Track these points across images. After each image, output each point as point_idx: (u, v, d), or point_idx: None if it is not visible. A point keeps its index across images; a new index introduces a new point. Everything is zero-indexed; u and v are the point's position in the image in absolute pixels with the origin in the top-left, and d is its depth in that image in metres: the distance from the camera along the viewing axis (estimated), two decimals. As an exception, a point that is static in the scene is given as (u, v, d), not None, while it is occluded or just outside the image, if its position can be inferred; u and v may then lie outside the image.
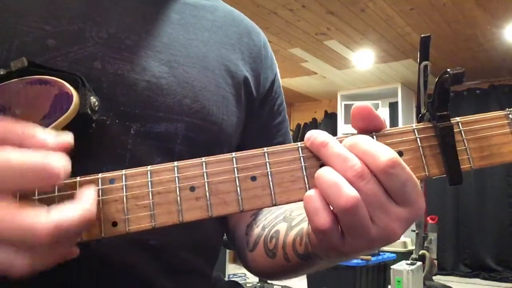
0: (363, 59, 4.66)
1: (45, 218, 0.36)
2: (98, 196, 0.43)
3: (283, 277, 0.68)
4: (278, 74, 0.80)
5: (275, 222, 0.64)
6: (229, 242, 0.76)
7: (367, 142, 0.42)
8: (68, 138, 0.40)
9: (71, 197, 0.41)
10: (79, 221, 0.37)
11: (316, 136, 0.44)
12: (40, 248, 0.36)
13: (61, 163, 0.38)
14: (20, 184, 0.36)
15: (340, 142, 0.44)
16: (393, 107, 5.55)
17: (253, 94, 0.72)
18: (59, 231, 0.36)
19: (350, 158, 0.41)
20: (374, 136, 0.44)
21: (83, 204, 0.39)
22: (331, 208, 0.41)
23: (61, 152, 0.39)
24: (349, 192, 0.40)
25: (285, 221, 0.62)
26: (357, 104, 0.44)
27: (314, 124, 6.31)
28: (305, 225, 0.55)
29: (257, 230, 0.67)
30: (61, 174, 0.37)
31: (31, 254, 0.36)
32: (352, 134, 0.45)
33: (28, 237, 0.35)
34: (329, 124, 6.04)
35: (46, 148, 0.38)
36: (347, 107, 5.65)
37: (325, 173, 0.42)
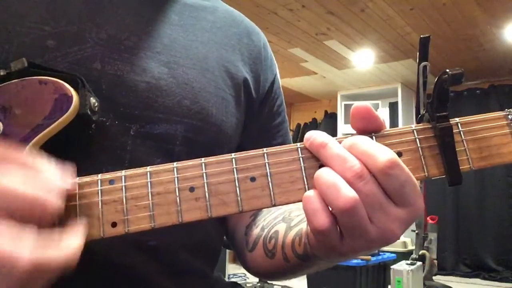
0: (363, 59, 4.66)
1: (27, 254, 0.35)
2: (98, 197, 0.43)
3: (283, 277, 0.68)
4: (278, 75, 0.80)
5: (274, 223, 0.64)
6: (229, 242, 0.76)
7: (366, 143, 0.42)
8: (70, 183, 0.41)
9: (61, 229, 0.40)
10: (59, 266, 0.37)
11: (315, 136, 0.44)
12: (18, 282, 0.35)
13: (58, 204, 0.38)
14: (13, 211, 0.36)
15: (339, 142, 0.44)
16: (393, 107, 5.55)
17: (253, 95, 0.72)
18: (38, 270, 0.35)
19: (349, 159, 0.42)
20: (374, 137, 0.45)
21: (67, 250, 0.38)
22: (330, 209, 0.41)
23: (60, 193, 0.39)
24: (347, 193, 0.40)
25: (284, 221, 0.62)
26: (356, 104, 0.44)
27: (314, 124, 6.31)
28: (304, 226, 0.55)
29: (256, 231, 0.68)
30: (53, 215, 0.38)
31: (11, 282, 0.35)
32: (352, 135, 0.45)
33: (6, 268, 0.34)
34: (329, 124, 6.04)
35: (49, 186, 0.39)
36: (347, 107, 5.64)
37: (324, 174, 0.42)
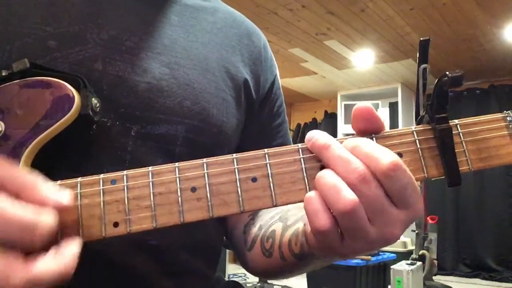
0: (363, 59, 4.66)
1: (21, 272, 0.35)
2: (100, 197, 0.43)
3: (280, 276, 0.68)
4: (278, 75, 0.80)
5: (271, 222, 0.65)
6: (228, 242, 0.76)
7: (369, 145, 0.43)
8: (67, 199, 0.40)
9: (54, 242, 0.40)
10: (54, 278, 0.37)
11: (317, 137, 0.44)
12: None
13: (49, 225, 0.37)
14: (3, 234, 0.36)
15: (340, 143, 0.44)
16: (393, 107, 5.54)
17: (253, 96, 0.72)
18: (34, 285, 0.35)
19: (353, 161, 0.42)
20: (374, 138, 0.45)
21: (61, 262, 0.38)
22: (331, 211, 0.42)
23: (54, 211, 0.38)
24: (347, 196, 0.40)
25: (280, 221, 0.63)
26: (359, 104, 0.44)
27: (314, 124, 6.30)
28: (300, 225, 0.55)
29: (254, 230, 0.68)
30: (44, 236, 0.37)
31: None
32: (352, 135, 0.45)
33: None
34: (329, 124, 6.04)
35: (43, 204, 0.38)
36: (347, 107, 5.64)
37: (325, 176, 0.42)
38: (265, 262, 0.63)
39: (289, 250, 0.57)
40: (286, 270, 0.61)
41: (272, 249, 0.61)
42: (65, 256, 0.38)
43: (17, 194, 0.38)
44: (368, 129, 0.45)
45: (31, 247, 0.37)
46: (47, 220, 0.37)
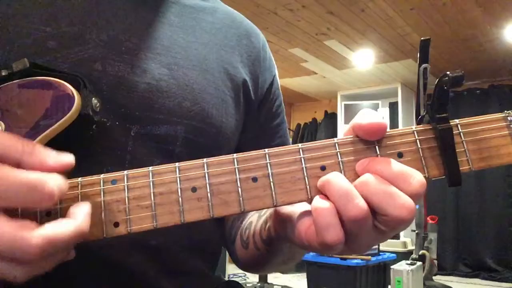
0: (363, 59, 4.66)
1: (37, 233, 0.35)
2: (100, 197, 0.43)
3: (259, 268, 0.70)
4: (277, 76, 0.80)
5: (250, 215, 0.66)
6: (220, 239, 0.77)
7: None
8: (69, 158, 0.40)
9: (65, 212, 0.41)
10: (71, 236, 0.37)
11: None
12: (34, 261, 0.36)
13: (57, 184, 0.37)
14: (13, 202, 0.36)
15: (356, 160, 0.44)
16: (393, 107, 5.55)
17: (252, 96, 0.72)
18: (51, 246, 0.36)
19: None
20: (377, 147, 0.45)
21: (75, 220, 0.38)
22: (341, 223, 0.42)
23: (59, 172, 0.38)
24: (360, 203, 0.40)
25: (257, 212, 0.64)
26: (374, 120, 0.43)
27: (314, 124, 6.31)
28: (270, 211, 0.56)
29: (237, 224, 0.69)
30: (55, 196, 0.37)
31: (25, 266, 0.36)
32: (351, 138, 0.45)
33: (20, 251, 0.35)
34: (329, 124, 6.04)
35: (45, 167, 0.38)
36: (347, 107, 5.65)
37: (336, 181, 0.42)
38: (244, 254, 0.65)
39: (260, 237, 0.58)
40: (260, 260, 0.62)
41: (248, 240, 0.62)
42: (79, 216, 0.39)
43: (19, 161, 0.38)
44: (374, 139, 0.45)
45: (44, 207, 0.37)
46: (55, 178, 0.37)
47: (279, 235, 0.52)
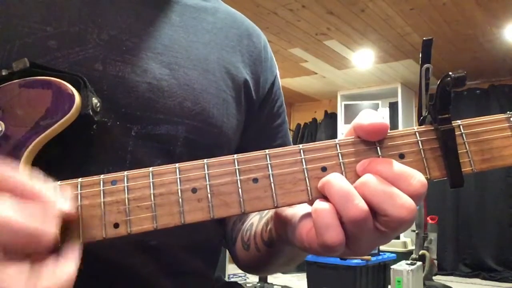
0: (363, 59, 4.66)
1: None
2: (100, 197, 0.43)
3: (260, 270, 0.70)
4: (278, 76, 0.80)
5: (251, 216, 0.66)
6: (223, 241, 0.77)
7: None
8: (68, 206, 0.40)
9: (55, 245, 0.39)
10: (65, 285, 0.36)
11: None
12: None
13: (54, 233, 0.37)
14: (9, 243, 0.35)
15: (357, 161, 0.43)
16: (393, 107, 5.55)
17: (253, 96, 0.72)
18: None
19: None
20: (378, 147, 0.44)
21: (61, 278, 0.37)
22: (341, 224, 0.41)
23: (57, 216, 0.38)
24: (360, 204, 0.40)
25: (258, 213, 0.64)
26: (376, 120, 0.43)
27: (314, 124, 6.30)
28: (271, 212, 0.55)
29: (239, 226, 0.69)
30: (50, 244, 0.36)
31: None
32: (352, 138, 0.45)
33: None
34: (329, 124, 6.04)
35: (44, 208, 0.37)
36: (347, 107, 5.65)
37: (335, 182, 0.41)
38: (245, 255, 0.65)
39: (261, 239, 0.57)
40: (261, 262, 0.62)
41: (249, 241, 0.62)
42: (64, 274, 0.37)
43: (18, 195, 0.37)
44: (375, 140, 0.44)
45: (33, 255, 0.36)
46: (52, 228, 0.37)
47: (280, 237, 0.52)
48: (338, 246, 0.41)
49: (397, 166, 0.42)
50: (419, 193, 0.41)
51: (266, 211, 0.60)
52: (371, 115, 0.43)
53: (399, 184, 0.41)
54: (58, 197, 0.39)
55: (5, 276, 0.34)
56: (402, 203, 0.40)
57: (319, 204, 0.41)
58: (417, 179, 0.41)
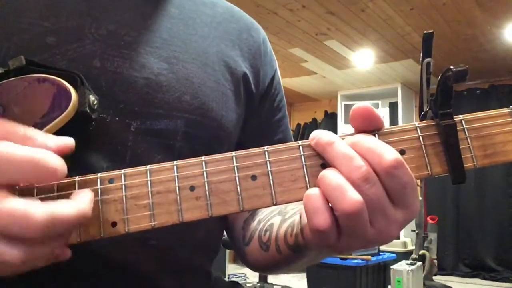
0: (363, 59, 4.66)
1: (40, 209, 0.36)
2: (97, 196, 0.42)
3: (277, 270, 0.69)
4: (278, 71, 0.80)
5: (270, 216, 0.65)
6: (228, 237, 0.76)
7: (371, 141, 0.42)
8: (69, 141, 0.41)
9: (67, 197, 0.41)
10: (73, 217, 0.37)
11: (321, 136, 0.44)
12: (33, 241, 0.36)
13: (59, 163, 0.38)
14: (16, 177, 0.37)
15: (343, 139, 0.43)
16: (393, 107, 5.55)
17: (253, 90, 0.71)
18: (53, 223, 0.36)
19: (356, 159, 0.41)
20: (376, 135, 0.44)
21: (78, 202, 0.39)
22: (331, 210, 0.41)
23: (60, 155, 0.39)
24: (353, 196, 0.40)
25: (279, 214, 0.63)
26: (358, 104, 0.44)
27: (314, 124, 6.31)
28: (297, 217, 0.55)
29: (253, 225, 0.68)
30: (57, 172, 0.38)
31: (24, 247, 0.36)
32: (352, 134, 0.44)
33: (22, 226, 0.35)
34: (329, 124, 6.04)
35: (46, 149, 0.39)
36: (347, 107, 5.65)
37: (329, 175, 0.41)
38: (262, 256, 0.64)
39: (284, 243, 0.57)
40: (282, 263, 0.61)
41: (269, 242, 0.61)
42: (82, 200, 0.40)
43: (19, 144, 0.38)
44: (368, 128, 0.45)
45: (46, 183, 0.39)
46: (56, 158, 0.38)
47: (308, 243, 0.50)
48: (327, 230, 0.41)
49: (372, 141, 0.42)
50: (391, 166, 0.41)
51: (290, 212, 0.60)
52: (357, 104, 0.44)
53: (372, 157, 0.41)
54: (59, 138, 0.41)
55: (25, 201, 0.36)
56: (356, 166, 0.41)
57: (310, 190, 0.42)
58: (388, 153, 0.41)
